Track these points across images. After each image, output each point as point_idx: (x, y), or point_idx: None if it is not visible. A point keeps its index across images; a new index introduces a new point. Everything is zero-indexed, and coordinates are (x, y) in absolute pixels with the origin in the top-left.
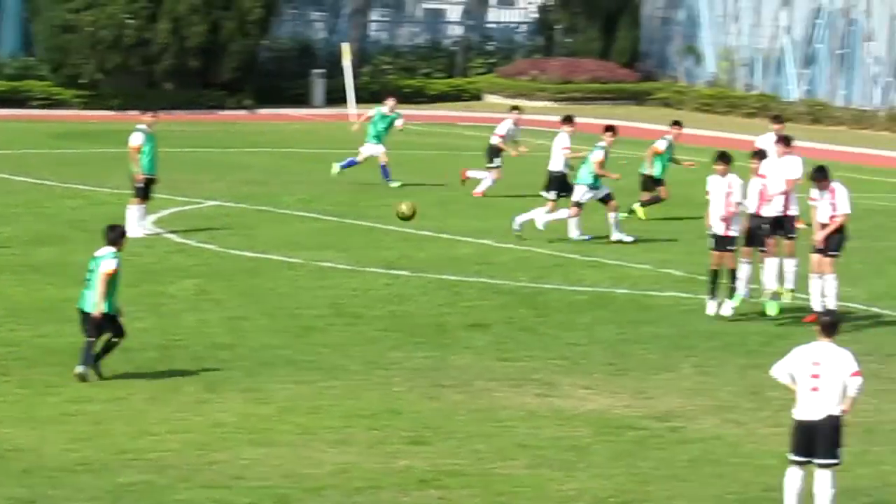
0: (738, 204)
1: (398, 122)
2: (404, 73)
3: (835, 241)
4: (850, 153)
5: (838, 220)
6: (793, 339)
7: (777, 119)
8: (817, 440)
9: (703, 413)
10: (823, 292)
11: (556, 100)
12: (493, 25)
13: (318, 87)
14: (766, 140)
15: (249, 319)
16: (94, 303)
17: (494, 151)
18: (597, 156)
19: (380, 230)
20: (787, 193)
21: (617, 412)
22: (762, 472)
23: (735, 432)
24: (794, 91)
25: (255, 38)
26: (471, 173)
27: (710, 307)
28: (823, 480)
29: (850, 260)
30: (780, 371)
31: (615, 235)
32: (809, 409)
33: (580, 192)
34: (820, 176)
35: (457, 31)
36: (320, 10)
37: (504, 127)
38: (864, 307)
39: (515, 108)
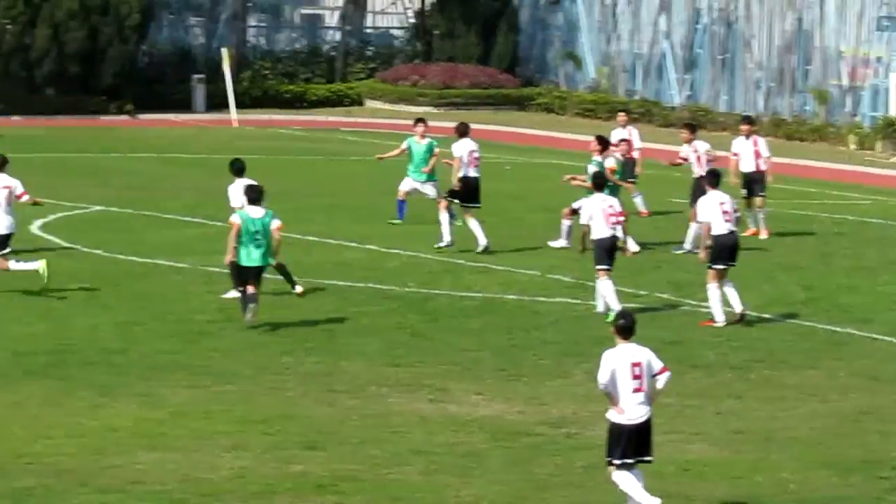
0: None
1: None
2: (284, 79)
3: None
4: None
5: None
6: (684, 346)
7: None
8: (644, 439)
9: (597, 419)
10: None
11: (437, 105)
12: (372, 31)
13: (199, 92)
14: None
15: (140, 324)
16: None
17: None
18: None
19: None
20: None
21: (511, 418)
22: (658, 479)
23: None
24: (676, 96)
25: (133, 44)
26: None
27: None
28: (641, 475)
29: (743, 266)
30: (607, 379)
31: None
32: (636, 410)
33: None
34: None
35: (335, 36)
36: (198, 15)
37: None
38: (756, 314)
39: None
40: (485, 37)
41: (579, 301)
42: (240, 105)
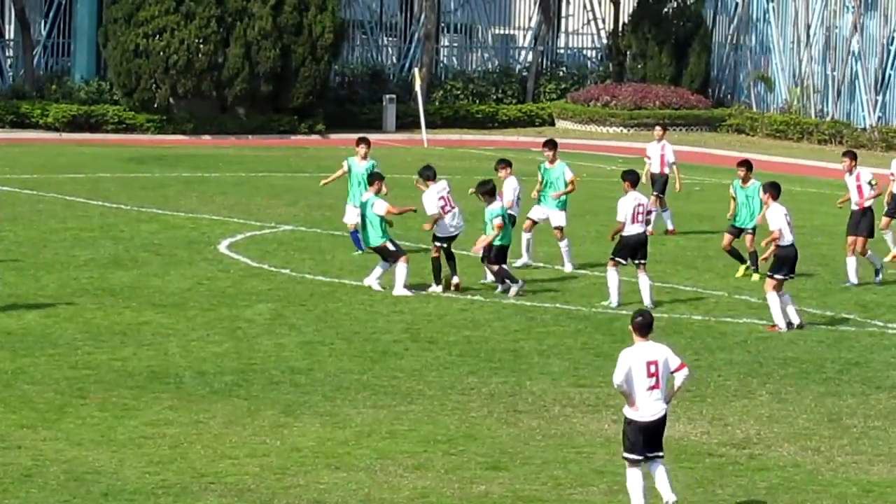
0: None
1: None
2: (475, 99)
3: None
4: None
5: None
6: (869, 367)
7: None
8: (658, 436)
9: (781, 440)
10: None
11: (627, 126)
12: (564, 51)
13: (390, 112)
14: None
15: (326, 344)
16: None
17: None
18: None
19: (456, 255)
20: None
21: (695, 439)
22: (841, 500)
23: (814, 460)
24: (867, 118)
25: (325, 64)
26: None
27: None
28: (664, 471)
29: None
30: (622, 378)
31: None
32: (651, 407)
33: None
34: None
35: (528, 56)
36: (391, 35)
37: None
38: None
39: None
40: (677, 57)
41: (765, 322)
42: (430, 125)
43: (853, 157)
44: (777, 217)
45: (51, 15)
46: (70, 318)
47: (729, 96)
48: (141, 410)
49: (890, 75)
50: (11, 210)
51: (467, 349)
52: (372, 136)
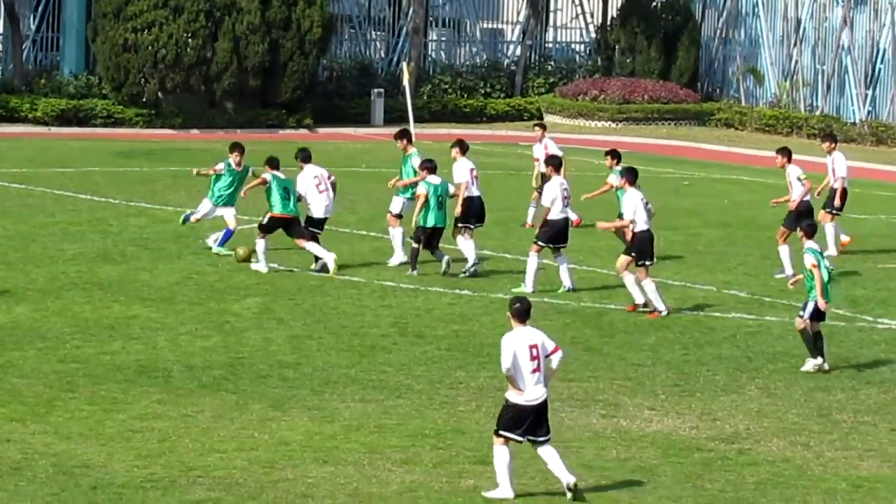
0: None
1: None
2: (464, 93)
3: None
4: None
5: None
6: (859, 362)
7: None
8: (541, 419)
9: (770, 435)
10: None
11: (616, 120)
12: (553, 45)
13: (378, 106)
14: None
15: (314, 338)
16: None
17: None
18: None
19: (442, 249)
20: None
21: (683, 433)
22: (830, 495)
23: (803, 455)
24: (856, 112)
25: (314, 58)
26: None
27: None
28: (552, 451)
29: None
30: (510, 363)
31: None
32: (534, 391)
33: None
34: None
35: (516, 50)
36: (379, 29)
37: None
38: None
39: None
40: (666, 52)
41: (754, 317)
42: (419, 119)
43: (782, 152)
44: (632, 202)
45: (40, 9)
46: (59, 311)
47: (718, 91)
48: (129, 404)
49: (879, 69)
50: (0, 204)
51: (456, 343)
52: (360, 131)
